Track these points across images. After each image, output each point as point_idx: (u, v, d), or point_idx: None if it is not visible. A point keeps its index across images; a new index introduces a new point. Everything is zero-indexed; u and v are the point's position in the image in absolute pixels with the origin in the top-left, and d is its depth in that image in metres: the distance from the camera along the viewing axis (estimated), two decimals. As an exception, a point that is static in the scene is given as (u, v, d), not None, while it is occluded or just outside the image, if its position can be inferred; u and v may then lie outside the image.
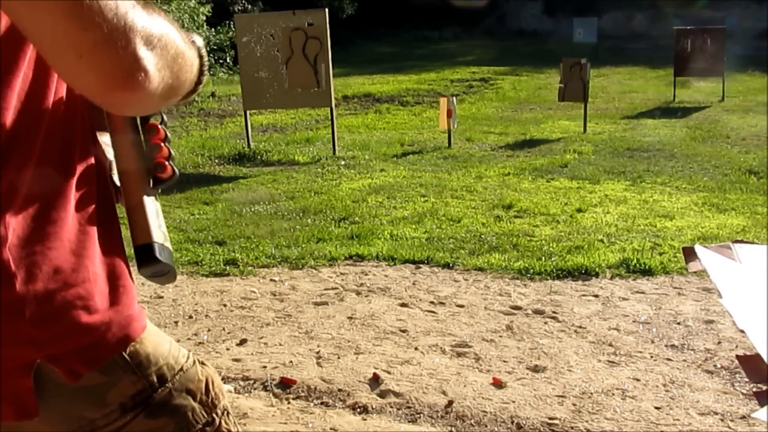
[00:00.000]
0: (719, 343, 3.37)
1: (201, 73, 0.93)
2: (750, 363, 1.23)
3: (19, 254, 0.81)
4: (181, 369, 0.98)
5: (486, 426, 2.74)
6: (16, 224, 0.81)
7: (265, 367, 3.23)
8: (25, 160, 0.83)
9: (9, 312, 0.80)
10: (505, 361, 3.23)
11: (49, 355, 0.84)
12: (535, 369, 3.15)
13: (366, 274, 4.38)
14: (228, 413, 1.03)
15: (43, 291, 0.82)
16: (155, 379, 0.94)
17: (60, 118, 0.87)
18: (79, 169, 0.90)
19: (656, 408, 2.82)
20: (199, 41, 0.94)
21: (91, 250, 0.90)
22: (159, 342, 0.97)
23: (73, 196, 0.88)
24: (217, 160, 8.07)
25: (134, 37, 0.73)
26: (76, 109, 0.90)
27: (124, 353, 0.91)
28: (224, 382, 3.08)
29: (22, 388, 0.85)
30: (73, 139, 0.90)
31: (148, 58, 0.75)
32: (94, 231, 0.91)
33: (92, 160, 0.93)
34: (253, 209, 5.88)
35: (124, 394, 0.92)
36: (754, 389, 2.60)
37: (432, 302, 3.93)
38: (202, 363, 1.03)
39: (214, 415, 1.01)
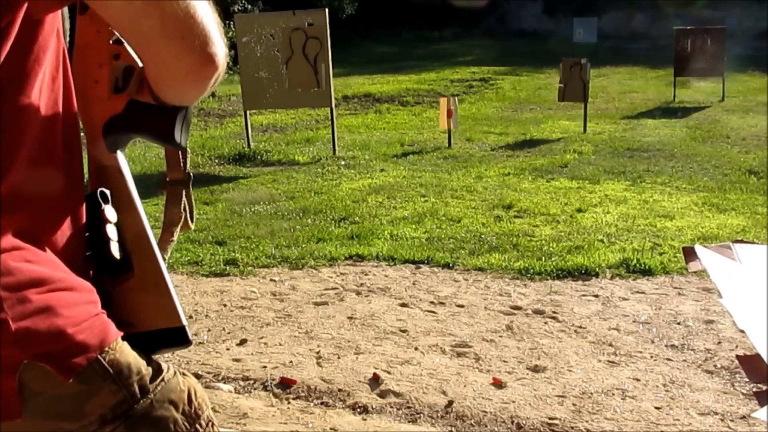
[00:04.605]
0: (719, 343, 3.37)
1: None
2: (750, 363, 1.23)
3: (1, 262, 0.82)
4: (163, 379, 0.96)
5: (486, 426, 2.74)
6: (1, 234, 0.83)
7: (265, 367, 3.23)
8: (16, 167, 0.86)
9: None
10: (505, 361, 3.23)
11: (36, 355, 0.84)
12: (535, 369, 3.15)
13: (366, 274, 4.38)
14: (212, 424, 1.01)
15: (26, 296, 0.84)
16: (137, 389, 0.92)
17: (47, 131, 0.91)
18: (70, 178, 0.94)
19: (656, 408, 2.82)
20: None
21: (71, 260, 0.93)
22: (138, 352, 0.95)
23: (60, 206, 0.93)
24: (217, 160, 8.07)
25: (212, 19, 0.91)
26: (71, 125, 0.96)
27: (103, 361, 0.89)
28: (224, 382, 3.09)
29: (7, 389, 0.84)
30: (64, 148, 0.94)
31: (218, 33, 0.92)
32: (79, 239, 0.95)
33: (81, 177, 0.97)
34: (253, 209, 5.88)
35: (104, 405, 0.89)
36: (754, 389, 2.60)
37: (432, 302, 3.93)
38: (183, 374, 1.01)
39: (198, 426, 0.98)
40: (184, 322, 1.00)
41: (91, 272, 0.98)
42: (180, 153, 1.16)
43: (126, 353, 0.93)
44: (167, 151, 1.15)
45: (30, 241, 0.87)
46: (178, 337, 1.00)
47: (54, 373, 0.85)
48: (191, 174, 1.19)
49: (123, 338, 0.94)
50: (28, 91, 0.87)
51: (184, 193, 1.17)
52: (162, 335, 0.99)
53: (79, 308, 0.89)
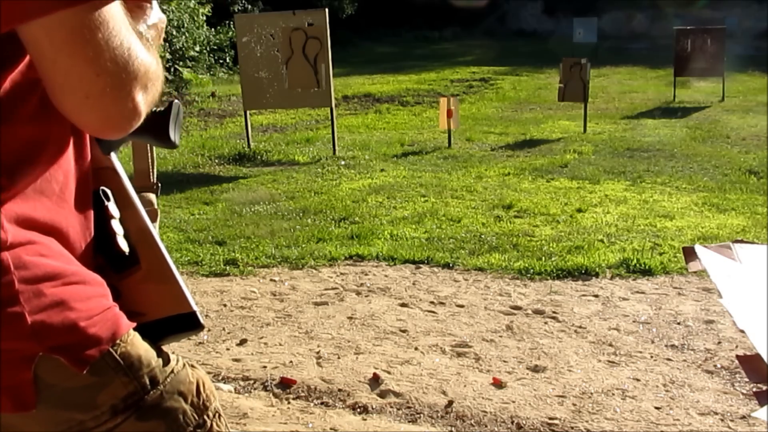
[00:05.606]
0: (719, 343, 3.37)
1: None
2: (750, 363, 1.23)
3: (16, 256, 0.84)
4: (172, 371, 0.98)
5: (486, 426, 2.74)
6: (14, 230, 0.84)
7: (265, 367, 3.23)
8: (27, 166, 0.87)
9: (9, 307, 0.83)
10: (505, 361, 3.23)
11: (51, 347, 0.86)
12: (535, 369, 3.15)
13: (366, 274, 4.38)
14: (219, 415, 1.03)
15: (41, 289, 0.85)
16: (147, 381, 0.94)
17: (62, 138, 0.93)
18: (78, 176, 0.95)
19: (656, 408, 2.82)
20: (155, 15, 0.99)
21: (82, 255, 0.94)
22: (149, 345, 0.97)
23: (70, 203, 0.94)
24: (217, 160, 8.07)
25: (136, 86, 0.83)
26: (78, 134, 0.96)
27: (115, 354, 0.91)
28: (224, 382, 3.09)
29: (22, 380, 0.86)
30: (74, 147, 0.95)
31: (142, 102, 0.85)
32: (88, 236, 0.97)
33: (89, 169, 0.98)
34: (253, 209, 5.88)
35: (116, 395, 0.91)
36: (754, 389, 2.60)
37: (432, 302, 3.93)
38: (192, 366, 1.03)
39: (206, 417, 1.00)
40: (195, 307, 1.03)
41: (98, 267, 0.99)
42: (150, 165, 1.20)
43: (137, 345, 0.95)
44: (137, 163, 1.19)
45: (43, 236, 0.88)
46: (189, 323, 1.03)
47: (68, 365, 0.87)
48: (159, 184, 1.22)
49: (135, 329, 0.96)
50: (43, 91, 0.87)
51: (154, 196, 1.21)
52: (174, 322, 1.02)
53: (92, 302, 0.91)
